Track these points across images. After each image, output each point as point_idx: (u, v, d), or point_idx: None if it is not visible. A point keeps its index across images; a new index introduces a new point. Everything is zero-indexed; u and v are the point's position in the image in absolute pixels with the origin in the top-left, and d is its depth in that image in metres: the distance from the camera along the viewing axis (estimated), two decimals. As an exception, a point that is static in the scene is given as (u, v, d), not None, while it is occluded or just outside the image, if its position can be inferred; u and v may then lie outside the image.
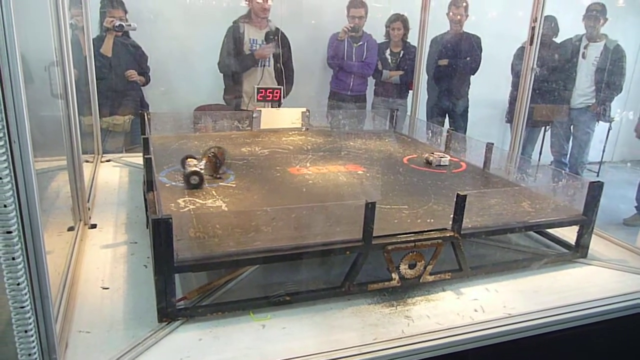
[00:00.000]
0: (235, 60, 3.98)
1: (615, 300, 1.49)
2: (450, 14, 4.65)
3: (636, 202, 4.79)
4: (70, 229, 1.82)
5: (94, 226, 1.89)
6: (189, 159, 1.92)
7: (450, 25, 4.72)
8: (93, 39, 2.85)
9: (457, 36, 4.71)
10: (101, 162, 2.74)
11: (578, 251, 1.77)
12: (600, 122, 4.92)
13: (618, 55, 4.69)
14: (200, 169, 1.85)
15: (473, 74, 4.77)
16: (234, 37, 3.98)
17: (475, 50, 4.67)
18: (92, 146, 2.83)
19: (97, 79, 2.78)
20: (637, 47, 5.47)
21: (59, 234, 1.77)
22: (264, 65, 4.03)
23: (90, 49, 2.73)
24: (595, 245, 1.84)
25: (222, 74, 4.11)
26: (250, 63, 4.00)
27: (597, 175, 5.47)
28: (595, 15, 4.70)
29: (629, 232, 2.02)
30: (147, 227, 1.78)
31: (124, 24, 3.67)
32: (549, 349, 1.43)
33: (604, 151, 5.25)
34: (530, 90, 2.52)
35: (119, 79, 3.85)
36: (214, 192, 1.77)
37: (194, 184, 1.79)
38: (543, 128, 5.16)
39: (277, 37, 3.97)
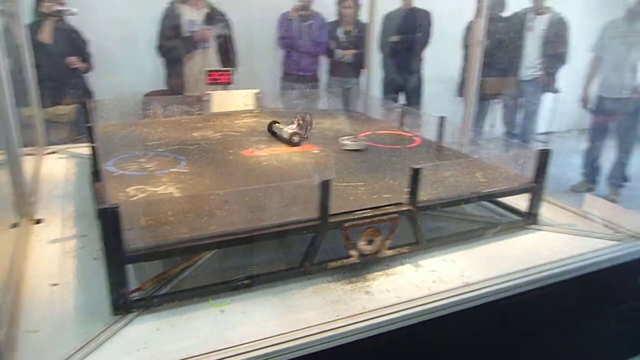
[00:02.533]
0: (174, 44, 3.86)
1: (566, 262, 1.55)
2: None
3: (583, 169, 5.00)
4: (14, 225, 1.73)
5: (39, 221, 1.80)
6: (275, 124, 2.28)
7: (401, 1, 4.73)
8: (27, 26, 2.69)
9: (408, 12, 4.73)
10: (45, 154, 2.61)
11: (530, 218, 1.82)
12: (547, 93, 5.08)
13: (562, 27, 4.84)
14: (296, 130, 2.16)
15: (423, 49, 4.82)
16: (170, 19, 3.86)
17: (426, 26, 4.71)
18: (35, 138, 2.70)
19: (35, 68, 2.64)
20: (577, 18, 5.65)
21: (1, 232, 1.69)
22: (205, 48, 3.93)
23: (26, 36, 2.58)
24: (546, 212, 1.90)
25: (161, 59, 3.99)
26: (190, 46, 3.89)
27: (545, 145, 5.67)
28: (539, -13, 4.83)
29: (576, 198, 2.11)
30: (96, 219, 1.71)
31: (62, 8, 3.49)
32: (506, 313, 1.47)
33: (551, 122, 5.43)
34: (481, 64, 2.56)
35: (59, 66, 3.68)
36: (165, 178, 1.71)
37: (296, 142, 2.14)
38: (493, 101, 5.28)
39: (219, 17, 3.87)
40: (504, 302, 1.42)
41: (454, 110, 5.11)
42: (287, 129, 2.19)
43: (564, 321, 1.62)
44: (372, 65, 3.44)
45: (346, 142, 2.16)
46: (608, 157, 4.81)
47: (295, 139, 2.15)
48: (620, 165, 4.71)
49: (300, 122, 2.23)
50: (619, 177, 4.73)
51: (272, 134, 2.30)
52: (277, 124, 2.29)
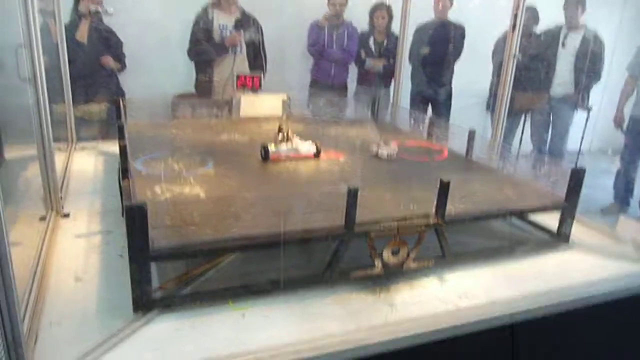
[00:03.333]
0: (205, 48, 3.89)
1: (597, 285, 1.49)
2: (435, 2, 4.64)
3: (614, 190, 4.86)
4: (42, 218, 1.76)
5: (66, 215, 1.83)
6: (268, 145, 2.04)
7: (434, 14, 4.70)
8: (65, 25, 2.75)
9: (441, 25, 4.70)
10: (75, 150, 2.66)
11: (560, 237, 1.77)
12: (578, 110, 4.97)
13: (597, 44, 4.73)
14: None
15: (454, 62, 4.77)
16: (202, 24, 3.90)
17: (459, 39, 4.67)
18: (66, 134, 2.75)
19: (71, 66, 2.69)
20: (612, 36, 5.53)
21: (30, 224, 1.71)
22: (236, 53, 3.96)
23: (62, 35, 2.63)
24: (577, 231, 1.84)
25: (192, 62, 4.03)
26: (221, 51, 3.92)
27: (576, 164, 5.54)
28: (574, 4, 4.73)
29: (607, 221, 2.04)
30: (122, 216, 1.73)
31: (100, 9, 3.57)
32: (534, 334, 1.42)
33: (582, 140, 5.31)
34: (512, 78, 2.51)
35: (94, 65, 3.75)
36: (191, 180, 1.72)
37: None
38: (523, 116, 5.19)
39: (250, 23, 3.90)
40: (531, 323, 1.38)
41: (483, 125, 5.06)
42: (307, 144, 2.06)
43: (593, 347, 1.56)
44: (401, 77, 3.41)
45: (378, 148, 2.12)
46: (641, 180, 4.67)
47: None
48: (653, 188, 4.57)
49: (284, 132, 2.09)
50: (652, 200, 4.58)
51: (266, 157, 2.01)
52: (271, 146, 2.02)
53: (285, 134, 2.09)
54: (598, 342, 1.57)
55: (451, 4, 4.66)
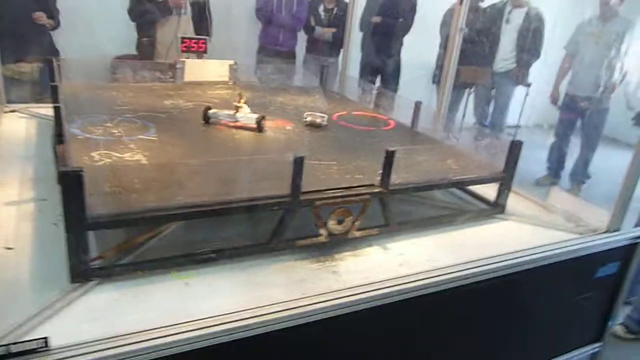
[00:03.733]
0: (148, 8, 3.71)
1: (529, 252, 1.58)
2: None
3: (548, 163, 5.12)
4: (-32, 185, 1.65)
5: (-5, 182, 1.72)
6: (210, 110, 1.99)
7: None
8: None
9: None
10: (5, 112, 2.48)
11: (497, 207, 1.85)
12: (519, 86, 5.15)
13: (538, 21, 4.88)
14: None
15: (404, 35, 4.79)
16: None
17: (410, 11, 4.68)
18: (-7, 95, 2.56)
19: (-1, 21, 2.50)
20: (553, 15, 5.71)
21: (-46, 191, 1.60)
22: (180, 14, 3.80)
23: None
24: (512, 202, 1.92)
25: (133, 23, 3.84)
26: (164, 11, 3.75)
27: (514, 138, 5.77)
28: (519, -20, 4.84)
29: (540, 192, 2.15)
30: (57, 183, 1.64)
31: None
32: (470, 299, 1.49)
33: (521, 115, 5.52)
34: (459, 52, 2.55)
35: (24, 21, 3.49)
36: (132, 145, 1.65)
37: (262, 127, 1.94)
38: (467, 90, 5.32)
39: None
40: (468, 288, 1.44)
41: (429, 97, 5.15)
42: (249, 115, 1.99)
43: (525, 309, 1.66)
44: (350, 46, 3.40)
45: (310, 117, 2.12)
46: (572, 154, 4.93)
47: (263, 123, 1.95)
48: (584, 162, 4.84)
49: (242, 102, 2.04)
50: (582, 174, 4.86)
51: (207, 121, 1.99)
52: (212, 110, 2.01)
53: (238, 102, 2.04)
54: (530, 305, 1.67)
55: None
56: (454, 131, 2.32)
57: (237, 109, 2.02)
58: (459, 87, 5.09)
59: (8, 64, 3.35)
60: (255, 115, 1.99)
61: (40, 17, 3.52)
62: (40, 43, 3.57)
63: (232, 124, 1.98)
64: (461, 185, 1.86)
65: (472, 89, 5.33)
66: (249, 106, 2.08)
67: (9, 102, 2.63)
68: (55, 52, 3.65)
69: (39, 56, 3.53)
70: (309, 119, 2.14)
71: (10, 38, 3.36)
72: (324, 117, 2.14)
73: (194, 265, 1.32)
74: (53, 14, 3.61)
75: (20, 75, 3.49)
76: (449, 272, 1.42)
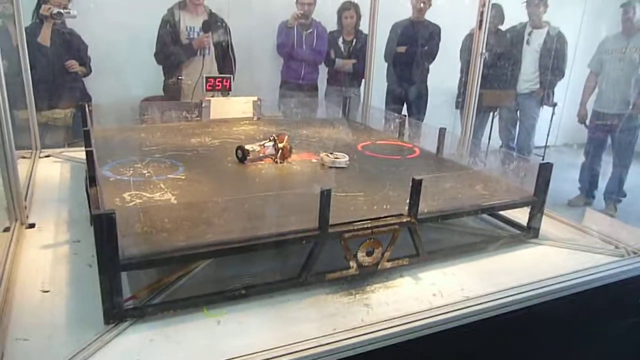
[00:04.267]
0: (173, 51, 3.84)
1: (567, 277, 1.53)
2: (414, 0, 4.67)
3: (579, 183, 5.00)
4: (6, 229, 1.70)
5: (32, 225, 1.77)
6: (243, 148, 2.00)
7: (412, 12, 4.73)
8: (25, 28, 2.67)
9: (418, 24, 4.73)
10: (40, 157, 2.58)
11: (530, 232, 1.80)
12: (544, 106, 5.09)
13: (560, 41, 4.86)
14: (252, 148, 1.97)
15: (430, 62, 4.81)
16: (169, 26, 3.84)
17: (434, 39, 4.72)
18: (29, 141, 2.66)
19: (33, 71, 2.61)
20: (575, 33, 5.67)
21: (-7, 236, 1.65)
22: (204, 55, 3.91)
23: (22, 38, 2.55)
24: (546, 225, 1.88)
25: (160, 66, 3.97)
26: (189, 53, 3.87)
27: (543, 159, 5.68)
28: (537, 2, 4.84)
29: (573, 213, 2.09)
30: (90, 225, 1.68)
31: (62, 11, 3.46)
32: (507, 328, 1.45)
33: (548, 135, 5.44)
34: (480, 76, 2.55)
35: (58, 70, 3.65)
36: (162, 185, 1.68)
37: (239, 157, 1.96)
38: (491, 114, 5.29)
39: (217, 24, 3.86)
40: (504, 317, 1.40)
41: (453, 123, 5.13)
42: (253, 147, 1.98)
43: (565, 337, 1.59)
44: (371, 76, 3.43)
45: (329, 158, 2.01)
46: (605, 172, 4.81)
47: (246, 160, 1.93)
48: (617, 180, 4.71)
49: (274, 141, 2.02)
50: (616, 192, 4.72)
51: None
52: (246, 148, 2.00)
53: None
54: (571, 333, 1.61)
55: (430, 4, 4.69)
56: (480, 156, 2.29)
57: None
58: (483, 110, 5.07)
59: (42, 111, 3.49)
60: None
61: (73, 65, 3.67)
62: (72, 89, 3.72)
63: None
64: (491, 210, 1.83)
65: (496, 112, 5.30)
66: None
67: (44, 147, 2.74)
68: (88, 97, 3.80)
69: (72, 102, 3.67)
70: (327, 159, 1.99)
71: (44, 86, 3.51)
72: (345, 156, 2.01)
73: (225, 302, 1.32)
74: (84, 61, 3.77)
75: (54, 121, 3.62)
76: (484, 301, 1.38)
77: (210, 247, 1.27)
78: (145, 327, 1.22)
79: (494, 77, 4.83)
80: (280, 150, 2.03)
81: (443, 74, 5.07)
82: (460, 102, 4.58)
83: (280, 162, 2.00)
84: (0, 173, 1.71)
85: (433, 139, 2.29)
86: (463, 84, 4.48)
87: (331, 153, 2.04)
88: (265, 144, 2.03)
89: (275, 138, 2.05)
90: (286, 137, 2.07)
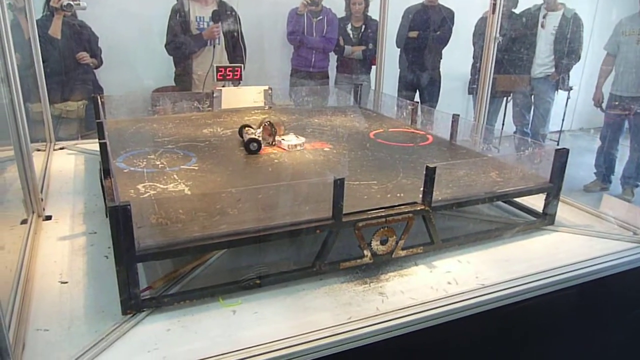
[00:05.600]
0: (183, 41, 3.83)
1: (584, 264, 1.52)
2: None
3: (595, 168, 4.94)
4: (23, 222, 1.72)
5: (49, 218, 1.79)
6: (246, 128, 2.09)
7: None
8: (37, 21, 2.68)
9: (431, 8, 4.67)
10: (54, 150, 2.60)
11: (546, 219, 1.79)
12: (559, 90, 5.01)
13: (576, 23, 4.76)
14: (258, 136, 2.02)
15: (442, 47, 4.75)
16: (178, 17, 3.83)
17: (447, 23, 4.65)
18: (43, 134, 2.69)
19: (45, 63, 2.63)
20: (591, 16, 5.57)
21: (11, 228, 1.68)
22: (214, 45, 3.90)
23: (34, 31, 2.56)
24: (561, 212, 1.86)
25: (171, 57, 3.96)
26: (199, 43, 3.86)
27: (558, 144, 5.61)
28: (551, -17, 4.75)
29: (590, 198, 2.07)
30: (106, 216, 1.70)
31: (72, 2, 3.47)
32: (523, 316, 1.44)
33: (563, 120, 5.36)
34: (494, 61, 2.52)
35: (69, 62, 3.66)
36: (175, 175, 1.70)
37: (253, 150, 1.97)
38: (505, 99, 5.23)
39: (227, 13, 3.84)
40: (520, 305, 1.39)
41: (466, 108, 5.09)
42: (248, 134, 2.03)
43: (582, 326, 1.58)
44: (382, 62, 3.40)
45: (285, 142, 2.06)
46: (622, 156, 4.74)
47: (253, 146, 1.97)
48: (635, 165, 4.63)
49: (268, 127, 2.09)
50: (634, 177, 4.65)
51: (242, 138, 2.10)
52: (248, 128, 2.11)
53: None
54: (588, 322, 1.60)
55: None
56: (494, 142, 2.27)
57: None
58: (497, 96, 5.01)
59: (55, 103, 3.52)
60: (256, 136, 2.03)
61: (84, 57, 3.68)
62: (84, 82, 3.73)
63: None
64: (506, 197, 1.81)
65: (510, 97, 5.23)
66: (285, 131, 2.11)
67: (58, 139, 2.77)
68: (100, 89, 3.81)
69: (84, 94, 3.69)
70: (284, 143, 2.04)
71: (57, 79, 3.53)
72: (298, 139, 2.08)
73: (240, 292, 1.33)
74: (95, 53, 3.77)
75: (68, 113, 3.64)
76: (500, 289, 1.38)
77: (225, 238, 1.28)
78: (162, 317, 1.24)
79: (507, 61, 4.76)
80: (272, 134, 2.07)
81: (456, 59, 5.01)
82: (474, 88, 4.53)
83: (272, 143, 2.07)
84: (16, 166, 1.73)
85: (446, 125, 2.27)
86: (476, 69, 4.43)
87: (283, 139, 2.09)
88: (258, 132, 2.07)
89: (271, 123, 2.09)
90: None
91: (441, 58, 4.81)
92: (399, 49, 4.79)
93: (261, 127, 2.10)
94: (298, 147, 2.06)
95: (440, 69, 4.84)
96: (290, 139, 2.08)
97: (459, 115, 2.24)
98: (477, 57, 4.63)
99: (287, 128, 2.20)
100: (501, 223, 1.78)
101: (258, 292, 1.34)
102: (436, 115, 2.61)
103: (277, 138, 2.08)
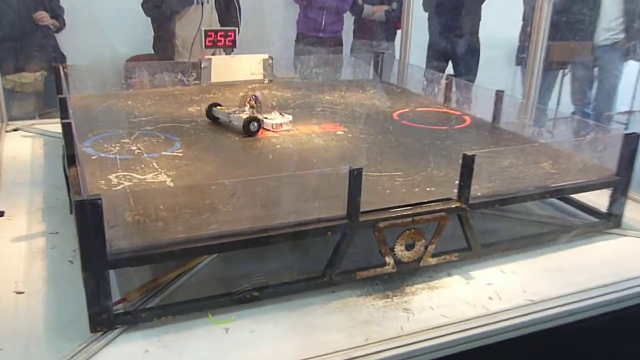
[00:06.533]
0: None
1: (658, 277, 1.51)
2: None
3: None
4: (-29, 218, 1.75)
5: (0, 214, 1.81)
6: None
7: None
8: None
9: None
10: (6, 132, 2.63)
11: (611, 220, 1.79)
12: (630, 61, 4.98)
13: (650, -22, 4.71)
14: (254, 114, 2.06)
15: (480, 4, 4.72)
16: None
17: None
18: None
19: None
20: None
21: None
22: (203, 3, 3.91)
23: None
24: (630, 212, 1.85)
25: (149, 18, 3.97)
26: (185, 1, 3.87)
27: (627, 128, 5.57)
28: None
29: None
30: (70, 213, 1.72)
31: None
32: (582, 339, 1.45)
33: (634, 98, 5.33)
34: (548, 24, 2.50)
35: (24, 23, 3.69)
36: (155, 163, 1.71)
37: (253, 131, 2.00)
38: (561, 71, 5.20)
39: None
40: (580, 326, 1.40)
41: (512, 83, 5.06)
42: (240, 114, 2.07)
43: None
44: (409, 26, 3.40)
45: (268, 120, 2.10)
46: None
47: (254, 126, 2.01)
48: None
49: (253, 103, 2.11)
50: None
51: (213, 119, 2.18)
52: (219, 107, 2.16)
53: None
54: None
55: None
56: (547, 125, 2.27)
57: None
58: (551, 68, 4.97)
59: (8, 74, 3.56)
60: (245, 115, 2.05)
61: (43, 17, 3.71)
62: (43, 47, 3.77)
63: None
64: (562, 193, 1.81)
65: (568, 69, 5.20)
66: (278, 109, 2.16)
67: (11, 118, 2.79)
68: (62, 58, 3.84)
69: (43, 63, 3.73)
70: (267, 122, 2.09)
71: (9, 44, 3.57)
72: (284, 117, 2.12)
73: (234, 306, 1.34)
74: (57, 12, 3.80)
75: (23, 86, 3.68)
76: (554, 305, 1.38)
77: (215, 240, 1.29)
78: (139, 335, 1.25)
79: (565, 25, 4.72)
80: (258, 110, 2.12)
81: (498, 22, 4.98)
82: (523, 58, 4.51)
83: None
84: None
85: (488, 104, 2.28)
86: (526, 34, 4.40)
87: (266, 117, 2.11)
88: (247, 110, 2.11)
89: (256, 98, 2.12)
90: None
91: (480, 20, 4.78)
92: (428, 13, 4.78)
93: (247, 104, 2.10)
94: (284, 127, 2.09)
95: (479, 35, 4.82)
96: (273, 117, 2.11)
97: (503, 91, 2.24)
98: (528, 20, 4.60)
99: (292, 107, 2.20)
100: (555, 225, 1.78)
101: (255, 306, 1.35)
102: (475, 92, 2.61)
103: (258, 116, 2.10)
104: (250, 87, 2.72)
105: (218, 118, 2.15)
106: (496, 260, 1.59)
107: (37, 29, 3.72)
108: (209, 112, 2.17)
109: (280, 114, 2.14)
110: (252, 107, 2.10)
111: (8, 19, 3.54)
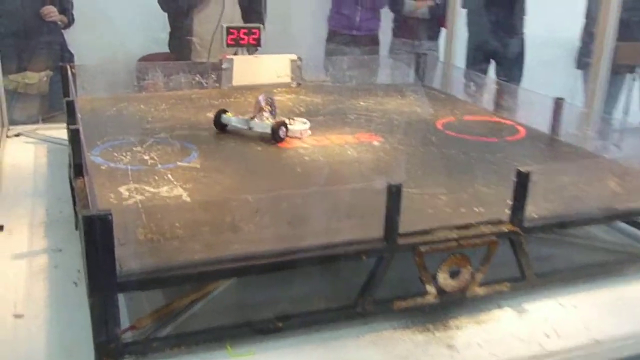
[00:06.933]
0: None
1: None
2: None
3: None
4: (-32, 232, 1.79)
5: (0, 228, 1.85)
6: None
7: None
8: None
9: None
10: (8, 137, 2.69)
11: (688, 248, 1.76)
12: None
13: None
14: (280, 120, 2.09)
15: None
16: None
17: None
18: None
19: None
20: None
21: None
22: None
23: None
24: None
25: (165, 13, 4.03)
26: None
27: None
28: None
29: None
30: (76, 228, 1.75)
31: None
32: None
33: None
34: (616, 22, 2.48)
35: (30, 18, 3.77)
36: (170, 175, 1.73)
37: (282, 138, 2.05)
38: (630, 75, 5.13)
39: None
40: (650, 371, 1.37)
41: (572, 89, 5.01)
42: (262, 120, 2.09)
43: None
44: (455, 23, 3.39)
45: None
46: None
47: (283, 132, 2.05)
48: None
49: (269, 106, 2.14)
50: None
51: (221, 128, 2.19)
52: (227, 114, 2.18)
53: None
54: None
55: None
56: (614, 137, 2.24)
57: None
58: (618, 72, 4.91)
59: (10, 74, 3.63)
60: (271, 122, 2.06)
61: (51, 12, 3.79)
62: (50, 45, 3.84)
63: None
64: (630, 217, 1.79)
65: (637, 74, 5.13)
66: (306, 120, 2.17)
67: (13, 122, 2.85)
68: (69, 57, 3.91)
69: (50, 62, 3.80)
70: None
71: (13, 41, 3.64)
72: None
73: (254, 337, 1.34)
74: (65, 7, 3.88)
75: (26, 87, 3.76)
76: (620, 345, 1.36)
77: (236, 262, 1.29)
78: (150, 367, 1.26)
79: (635, 23, 4.67)
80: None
81: (556, 19, 4.95)
82: (586, 61, 4.45)
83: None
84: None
85: (545, 113, 2.26)
86: (590, 35, 4.35)
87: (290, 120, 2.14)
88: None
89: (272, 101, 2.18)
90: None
91: (524, 15, 4.75)
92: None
93: (264, 108, 2.12)
94: (300, 135, 2.10)
95: (523, 32, 4.79)
96: (292, 123, 2.12)
97: (562, 98, 2.22)
98: (592, 17, 4.55)
99: (322, 113, 2.21)
100: (622, 253, 1.76)
101: (279, 338, 1.35)
102: (530, 99, 2.59)
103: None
104: (275, 91, 2.74)
105: (226, 125, 2.17)
106: (554, 291, 1.57)
107: (44, 24, 3.79)
108: (217, 120, 2.17)
109: (291, 119, 2.16)
110: (270, 111, 2.12)
111: (12, 13, 3.62)
